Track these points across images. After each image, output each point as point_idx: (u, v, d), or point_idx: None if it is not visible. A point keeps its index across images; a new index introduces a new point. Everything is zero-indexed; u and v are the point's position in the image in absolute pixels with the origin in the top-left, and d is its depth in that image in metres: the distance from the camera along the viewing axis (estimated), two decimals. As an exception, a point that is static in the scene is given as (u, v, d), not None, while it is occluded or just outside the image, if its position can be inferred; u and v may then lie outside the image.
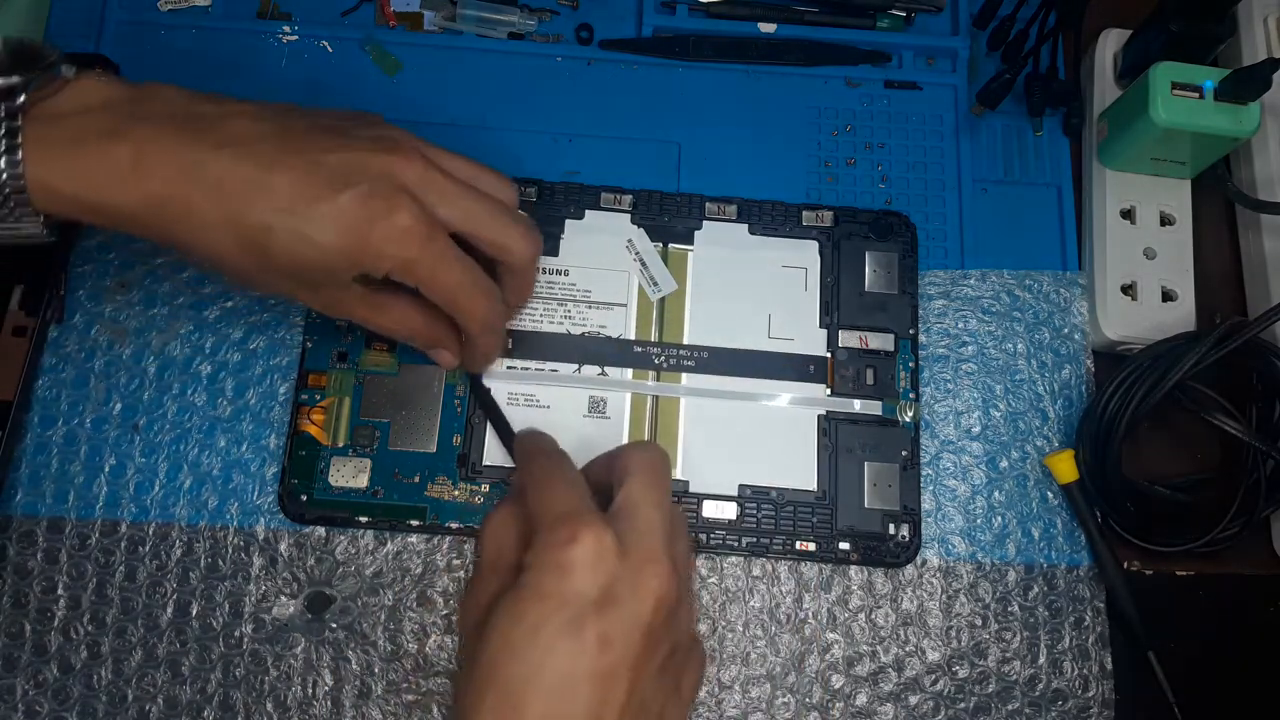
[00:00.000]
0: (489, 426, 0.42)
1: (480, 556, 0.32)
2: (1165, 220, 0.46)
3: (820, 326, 0.44)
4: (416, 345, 0.39)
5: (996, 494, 0.43)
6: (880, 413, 0.43)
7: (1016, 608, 0.42)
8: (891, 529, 0.42)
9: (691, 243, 0.45)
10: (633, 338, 0.43)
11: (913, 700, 0.41)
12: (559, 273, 0.44)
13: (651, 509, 0.31)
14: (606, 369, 0.43)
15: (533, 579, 0.29)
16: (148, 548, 0.41)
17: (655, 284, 0.44)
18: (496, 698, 0.28)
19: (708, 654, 0.41)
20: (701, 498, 0.41)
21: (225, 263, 0.34)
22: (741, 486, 0.42)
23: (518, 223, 0.37)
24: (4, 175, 0.30)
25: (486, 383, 0.42)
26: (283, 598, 0.40)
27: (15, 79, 0.31)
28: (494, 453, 0.42)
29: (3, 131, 0.30)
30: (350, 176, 0.33)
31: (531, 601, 0.29)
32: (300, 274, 0.34)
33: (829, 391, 0.43)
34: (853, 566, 0.42)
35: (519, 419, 0.41)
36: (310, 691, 0.40)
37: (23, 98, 0.31)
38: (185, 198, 0.32)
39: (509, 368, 0.42)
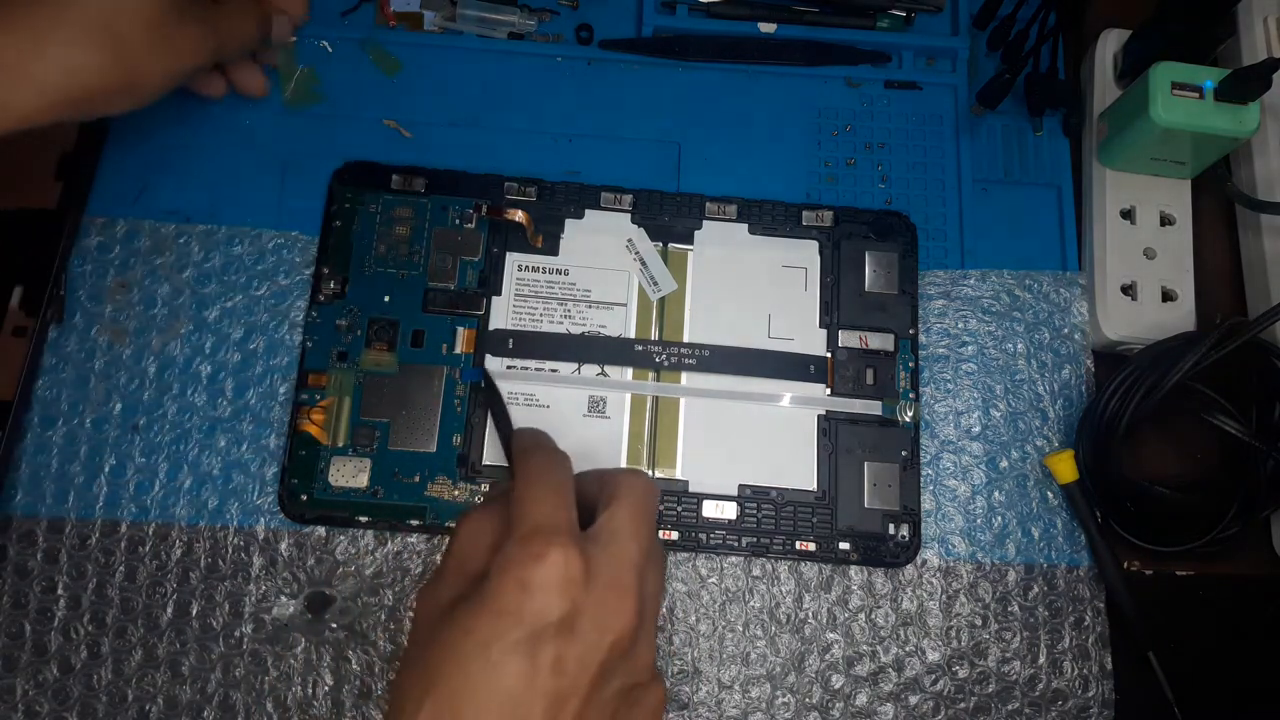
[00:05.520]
0: (489, 424, 0.41)
1: (449, 554, 0.31)
2: (1165, 220, 0.46)
3: (820, 326, 0.44)
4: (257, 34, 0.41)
5: (996, 494, 0.43)
6: (880, 413, 0.43)
7: (1016, 608, 0.42)
8: (891, 529, 0.42)
9: (691, 243, 0.45)
10: (633, 337, 0.43)
11: (913, 700, 0.41)
12: (559, 272, 0.44)
13: (630, 540, 0.31)
14: (606, 368, 0.43)
15: (492, 590, 0.28)
16: (148, 548, 0.41)
17: (655, 283, 0.44)
18: (435, 707, 0.28)
19: (710, 654, 0.41)
20: (701, 498, 0.41)
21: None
22: (741, 486, 0.42)
23: None
24: None
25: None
26: (283, 598, 0.40)
27: None
28: (494, 452, 0.41)
29: None
30: None
31: (486, 616, 0.28)
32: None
33: (829, 391, 0.43)
34: (853, 566, 0.42)
35: (519, 419, 0.41)
36: (310, 691, 0.40)
37: None
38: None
39: (509, 367, 0.42)
